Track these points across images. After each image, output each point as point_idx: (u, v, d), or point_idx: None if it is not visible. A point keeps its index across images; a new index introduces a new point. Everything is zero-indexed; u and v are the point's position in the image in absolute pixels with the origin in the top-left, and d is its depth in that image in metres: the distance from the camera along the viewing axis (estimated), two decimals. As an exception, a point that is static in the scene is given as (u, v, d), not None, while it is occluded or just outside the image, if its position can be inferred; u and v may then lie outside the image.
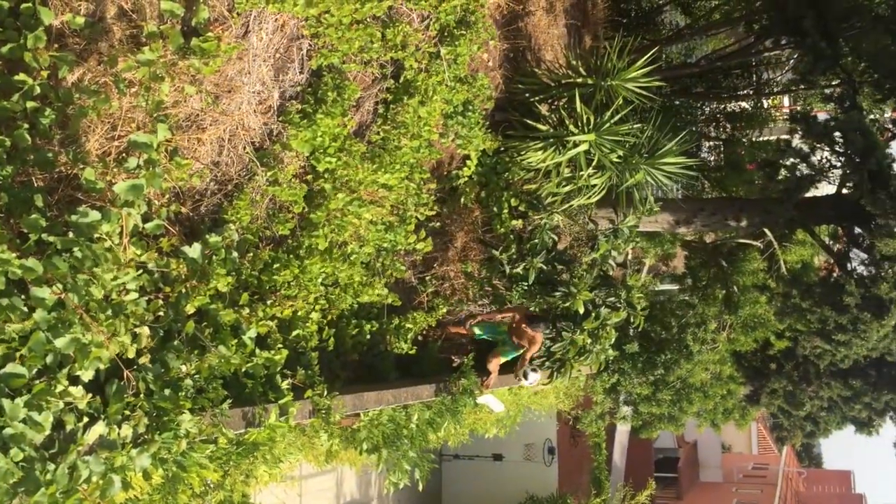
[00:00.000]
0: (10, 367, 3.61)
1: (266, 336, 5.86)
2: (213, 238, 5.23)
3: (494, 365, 9.05)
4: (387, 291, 7.76)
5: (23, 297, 3.74)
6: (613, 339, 9.69)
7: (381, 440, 7.94)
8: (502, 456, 14.99)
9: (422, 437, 8.48)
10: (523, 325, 8.78)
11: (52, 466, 3.82)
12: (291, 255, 6.46)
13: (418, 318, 8.31)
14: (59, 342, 3.78)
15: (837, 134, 8.99)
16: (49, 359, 3.82)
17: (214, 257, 5.29)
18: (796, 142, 10.10)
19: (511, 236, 9.37)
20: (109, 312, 4.00)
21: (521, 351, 8.95)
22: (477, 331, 9.20)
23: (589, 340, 9.44)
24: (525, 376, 8.83)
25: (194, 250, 4.98)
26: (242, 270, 5.85)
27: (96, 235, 4.03)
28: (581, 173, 9.00)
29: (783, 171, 9.63)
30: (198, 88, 5.31)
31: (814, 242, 11.85)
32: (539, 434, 14.99)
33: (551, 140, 8.95)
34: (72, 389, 3.93)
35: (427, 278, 8.89)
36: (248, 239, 6.00)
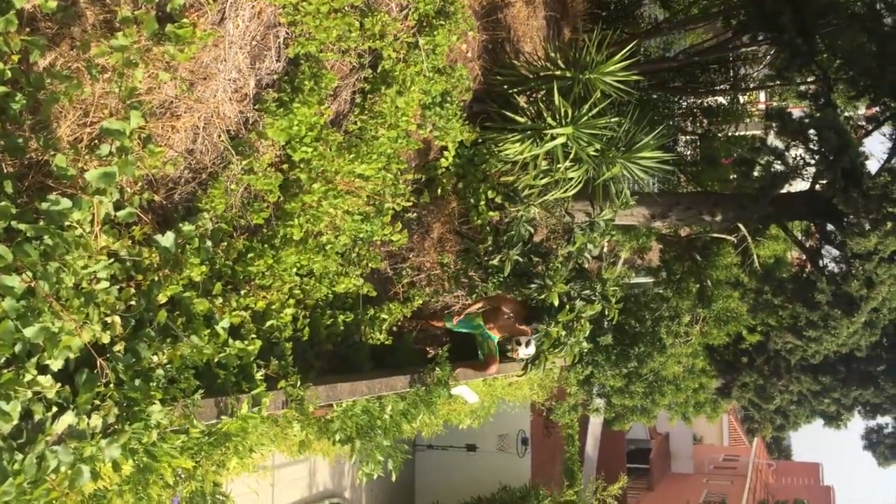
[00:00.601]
0: (-23, 357, 3.56)
1: (239, 326, 5.81)
2: (187, 227, 5.18)
3: (496, 366, 9.23)
4: (362, 282, 7.74)
5: (-10, 284, 3.68)
6: (588, 332, 9.74)
7: (354, 431, 7.93)
8: (476, 446, 15.03)
9: (395, 427, 8.48)
10: (518, 324, 8.79)
11: (19, 456, 3.77)
12: (266, 245, 6.41)
13: (394, 308, 8.30)
14: (29, 331, 3.72)
15: (812, 132, 9.07)
16: (18, 348, 3.76)
17: (188, 246, 5.23)
18: (771, 139, 10.19)
19: (488, 228, 9.38)
20: (80, 301, 3.95)
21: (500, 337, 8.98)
22: (450, 325, 9.19)
23: (563, 333, 9.47)
24: (519, 344, 8.67)
25: (167, 239, 4.93)
26: (216, 260, 5.80)
27: (67, 223, 3.97)
28: (558, 166, 9.02)
29: (758, 169, 9.71)
30: (172, 75, 5.24)
31: (787, 237, 11.98)
32: (513, 425, 15.05)
33: (529, 132, 8.96)
34: (40, 379, 3.88)
35: (403, 269, 8.88)
36: (223, 228, 5.94)
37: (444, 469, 15.43)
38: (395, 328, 8.50)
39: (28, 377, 3.82)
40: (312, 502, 12.14)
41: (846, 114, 10.02)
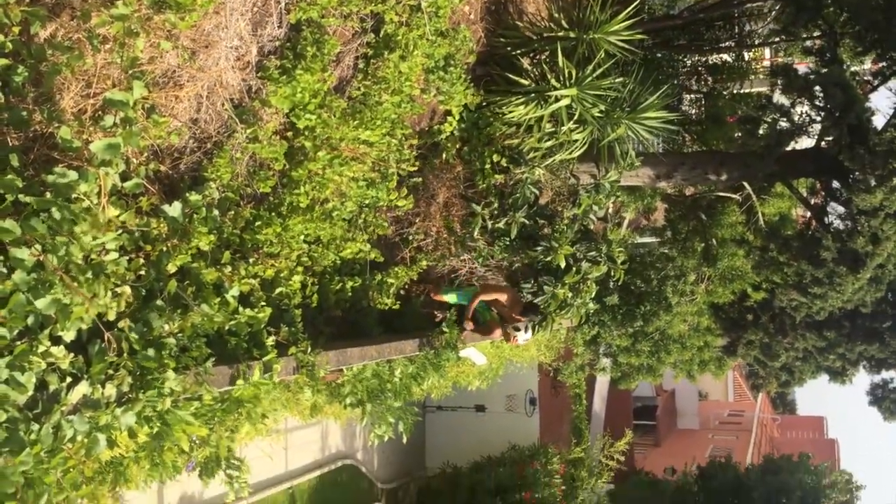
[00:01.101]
0: (-9, 329, 3.60)
1: (249, 294, 5.86)
2: (194, 196, 5.19)
3: (499, 331, 9.31)
4: (369, 247, 7.77)
5: (1, 258, 3.71)
6: (594, 293, 9.78)
7: (365, 395, 8.02)
8: (485, 407, 15.19)
9: (405, 390, 8.58)
10: (514, 315, 8.91)
11: (35, 427, 3.83)
12: (273, 213, 6.43)
13: (400, 272, 8.33)
14: (40, 303, 3.76)
15: (817, 88, 8.99)
16: (30, 320, 3.80)
17: (195, 216, 5.25)
18: (777, 96, 10.10)
19: (493, 191, 9.36)
20: (90, 273, 3.98)
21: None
22: (448, 297, 9.30)
23: (570, 294, 9.51)
24: (518, 330, 8.86)
25: (174, 209, 4.95)
26: (224, 229, 5.83)
27: (74, 196, 3.99)
28: (563, 128, 8.97)
29: (764, 127, 9.64)
30: (174, 44, 5.22)
31: (792, 195, 11.94)
32: (521, 386, 15.19)
33: (533, 94, 8.91)
34: (54, 350, 3.93)
35: (409, 234, 8.90)
36: (230, 197, 5.96)
37: (453, 430, 15.61)
38: (402, 293, 8.55)
39: (41, 348, 3.87)
40: (325, 464, 12.31)
41: (852, 69, 9.93)
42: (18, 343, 3.77)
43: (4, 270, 3.65)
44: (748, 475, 22.61)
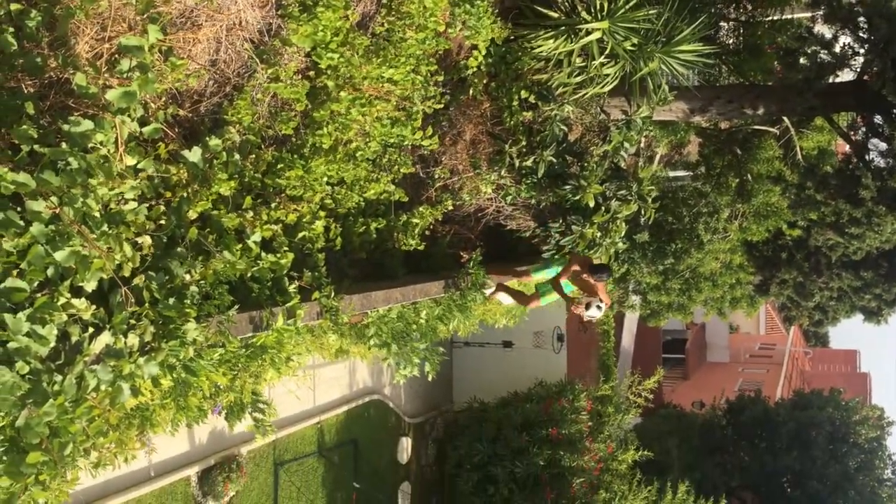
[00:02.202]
0: (10, 282, 3.58)
1: (271, 239, 5.81)
2: (214, 141, 5.10)
3: (536, 302, 9.75)
4: (393, 188, 7.67)
5: (18, 210, 3.67)
6: (623, 232, 9.64)
7: (389, 337, 8.02)
8: (512, 343, 15.23)
9: (431, 331, 8.56)
10: (584, 276, 8.91)
11: (59, 377, 3.84)
12: (295, 155, 6.33)
13: (425, 212, 8.23)
14: (59, 255, 3.73)
15: (862, 19, 8.60)
16: (50, 272, 3.78)
17: (215, 161, 5.17)
18: (818, 27, 9.69)
19: (521, 129, 9.16)
20: (107, 224, 3.93)
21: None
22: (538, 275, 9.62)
23: (599, 234, 9.39)
24: (589, 307, 8.86)
25: (194, 154, 4.87)
26: (245, 173, 5.74)
27: (90, 145, 3.92)
28: (593, 62, 8.69)
29: (804, 59, 9.27)
30: (190, -17, 5.06)
31: (831, 128, 11.57)
32: (548, 322, 15.16)
33: (563, 28, 8.61)
34: (74, 301, 3.92)
35: (435, 173, 8.76)
36: (251, 140, 5.86)
37: (480, 365, 15.70)
38: (427, 233, 8.46)
39: (62, 300, 3.86)
40: (353, 399, 12.46)
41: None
42: (39, 295, 3.75)
43: (22, 223, 3.61)
44: (777, 410, 22.63)
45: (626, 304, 14.75)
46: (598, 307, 8.78)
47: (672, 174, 17.19)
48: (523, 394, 14.47)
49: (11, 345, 3.57)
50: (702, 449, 20.94)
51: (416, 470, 14.44)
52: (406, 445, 13.89)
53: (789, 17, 14.21)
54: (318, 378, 11.44)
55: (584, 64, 8.84)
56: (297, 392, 8.49)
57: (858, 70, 9.15)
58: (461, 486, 13.74)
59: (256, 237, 5.39)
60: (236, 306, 5.09)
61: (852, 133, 9.51)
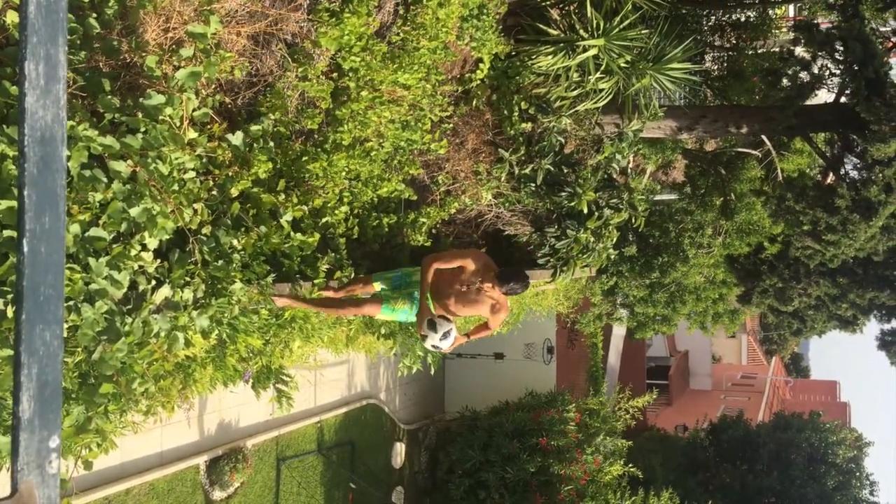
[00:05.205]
0: (94, 231, 4.08)
1: (300, 220, 6.34)
2: (254, 126, 5.65)
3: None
4: (404, 186, 8.23)
5: (101, 169, 4.19)
6: (615, 239, 10.23)
7: (396, 327, 8.54)
8: (503, 355, 15.72)
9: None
10: (482, 284, 6.22)
11: (129, 319, 4.34)
12: (319, 149, 6.89)
13: (432, 212, 8.79)
14: (133, 211, 4.24)
15: (838, 42, 9.30)
16: (124, 226, 4.29)
17: (255, 145, 5.71)
18: (799, 51, 10.41)
19: (520, 138, 9.78)
20: (175, 187, 4.46)
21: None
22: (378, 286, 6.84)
23: (592, 239, 9.97)
24: (434, 328, 6.07)
25: (237, 137, 5.42)
26: (277, 159, 6.29)
27: (161, 118, 4.45)
28: (589, 78, 9.34)
29: (785, 80, 9.97)
30: (237, -15, 5.64)
31: (811, 152, 12.28)
32: (539, 334, 15.70)
33: (561, 45, 9.27)
34: (143, 255, 4.42)
35: (439, 177, 9.33)
36: (281, 131, 6.41)
37: (472, 376, 16.18)
38: (433, 231, 9.01)
39: (133, 252, 4.36)
40: (351, 401, 12.90)
41: (872, 25, 10.20)
42: (115, 246, 4.26)
43: (105, 181, 4.13)
44: (758, 431, 23.18)
45: (614, 316, 15.32)
46: (446, 334, 5.99)
47: (659, 197, 17.90)
48: (514, 403, 14.94)
49: (93, 286, 4.07)
50: (685, 468, 21.42)
51: (409, 476, 14.84)
52: (400, 450, 14.30)
53: (772, 49, 15.02)
54: (319, 378, 11.89)
55: (580, 79, 9.49)
56: (304, 386, 8.94)
57: (836, 91, 9.84)
58: (452, 492, 14.11)
59: (288, 216, 5.91)
60: (273, 275, 5.61)
61: (828, 149, 10.18)
